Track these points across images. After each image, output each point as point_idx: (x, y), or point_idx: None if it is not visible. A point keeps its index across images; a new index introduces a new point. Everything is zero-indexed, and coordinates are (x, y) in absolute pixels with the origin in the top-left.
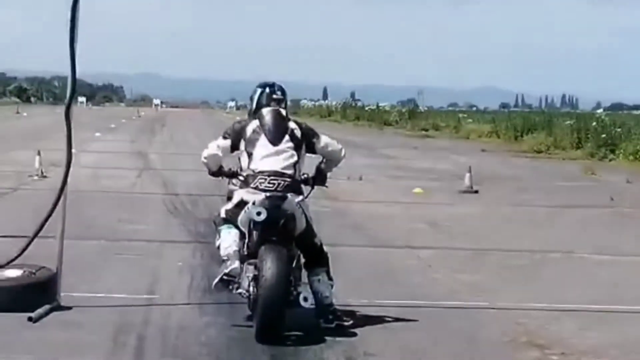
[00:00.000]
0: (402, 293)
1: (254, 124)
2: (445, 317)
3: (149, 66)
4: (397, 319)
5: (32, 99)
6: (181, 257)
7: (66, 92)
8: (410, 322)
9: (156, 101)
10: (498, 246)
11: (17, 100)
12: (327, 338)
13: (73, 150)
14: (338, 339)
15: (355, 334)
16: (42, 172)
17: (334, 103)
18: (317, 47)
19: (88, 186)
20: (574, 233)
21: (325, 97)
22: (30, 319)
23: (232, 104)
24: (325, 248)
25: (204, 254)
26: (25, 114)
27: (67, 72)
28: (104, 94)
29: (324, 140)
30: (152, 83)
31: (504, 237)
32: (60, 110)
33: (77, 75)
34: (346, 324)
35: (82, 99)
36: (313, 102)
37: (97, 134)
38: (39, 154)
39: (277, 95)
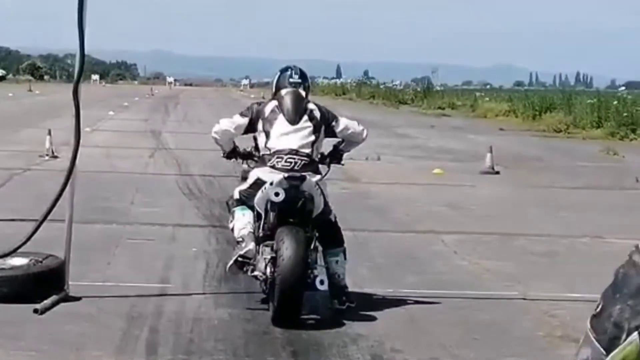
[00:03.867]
0: (428, 281)
1: (273, 104)
2: (474, 308)
3: (163, 43)
4: (424, 311)
5: (46, 76)
6: (196, 242)
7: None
8: (438, 314)
9: (170, 79)
10: (524, 230)
11: (31, 78)
12: (350, 331)
13: (86, 129)
14: (362, 332)
15: (380, 327)
16: (52, 152)
17: (348, 81)
18: (331, 24)
19: (100, 167)
20: (601, 216)
21: (339, 75)
22: (36, 310)
23: (245, 81)
24: (339, 224)
25: (219, 239)
26: (37, 91)
27: (85, 49)
28: (118, 71)
29: (343, 122)
30: (165, 61)
31: (529, 220)
32: None
33: (90, 53)
34: (352, 305)
35: (95, 76)
36: (327, 80)
37: (111, 113)
38: (49, 133)
39: (294, 78)
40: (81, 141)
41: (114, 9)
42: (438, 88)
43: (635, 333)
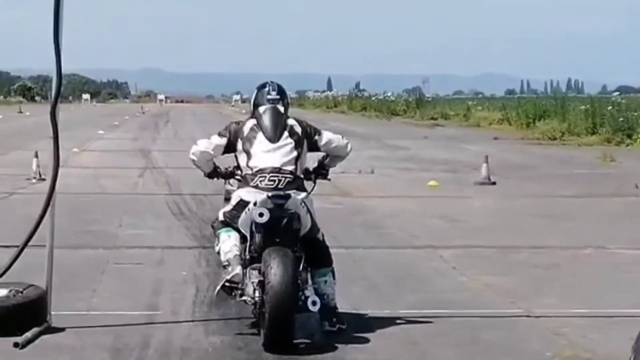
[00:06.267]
0: (427, 300)
1: (251, 122)
2: (477, 328)
3: (154, 61)
4: (423, 332)
5: (37, 97)
6: (185, 265)
7: (72, 90)
8: (439, 335)
9: (161, 96)
10: (524, 243)
11: (22, 99)
12: (347, 357)
13: (74, 150)
14: (359, 358)
15: (378, 352)
16: (39, 175)
17: (339, 93)
18: (320, 38)
19: (87, 188)
20: (602, 225)
21: (329, 87)
22: (16, 344)
23: (237, 97)
24: (327, 242)
25: (210, 261)
26: (27, 113)
27: (72, 70)
28: (109, 90)
29: (326, 136)
30: (156, 78)
31: (529, 232)
32: (65, 107)
33: (81, 72)
34: (343, 327)
35: (86, 96)
36: (318, 93)
37: (100, 132)
38: (36, 155)
39: (272, 95)
40: (68, 163)
41: (103, 28)
42: (430, 98)
43: None
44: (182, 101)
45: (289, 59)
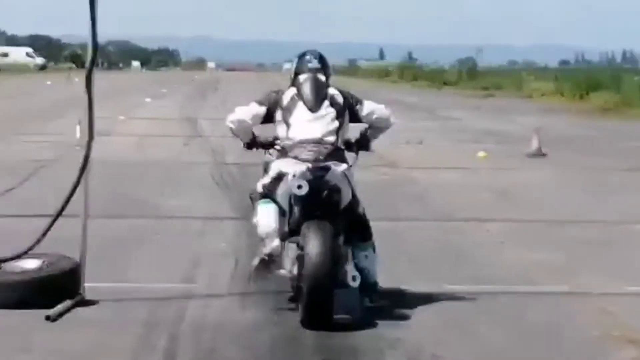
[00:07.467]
0: (472, 276)
1: (291, 91)
2: (523, 306)
3: (206, 29)
4: (468, 310)
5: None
6: (226, 236)
7: (122, 57)
8: (484, 314)
9: (211, 64)
10: (575, 217)
11: (72, 66)
12: (387, 334)
13: (121, 118)
14: (400, 336)
15: (420, 330)
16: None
17: (391, 62)
18: (373, 6)
19: (131, 156)
20: None
21: (382, 57)
22: (47, 317)
23: (287, 65)
24: (368, 216)
25: (251, 233)
26: (77, 79)
27: (124, 37)
28: (159, 58)
29: (368, 106)
30: (208, 46)
31: (580, 206)
32: (114, 75)
33: (132, 39)
34: (384, 303)
35: (136, 63)
36: (370, 62)
37: (148, 100)
38: (79, 123)
39: (313, 64)
40: (113, 131)
41: None
42: (483, 68)
43: None
44: (232, 69)
45: (342, 28)
